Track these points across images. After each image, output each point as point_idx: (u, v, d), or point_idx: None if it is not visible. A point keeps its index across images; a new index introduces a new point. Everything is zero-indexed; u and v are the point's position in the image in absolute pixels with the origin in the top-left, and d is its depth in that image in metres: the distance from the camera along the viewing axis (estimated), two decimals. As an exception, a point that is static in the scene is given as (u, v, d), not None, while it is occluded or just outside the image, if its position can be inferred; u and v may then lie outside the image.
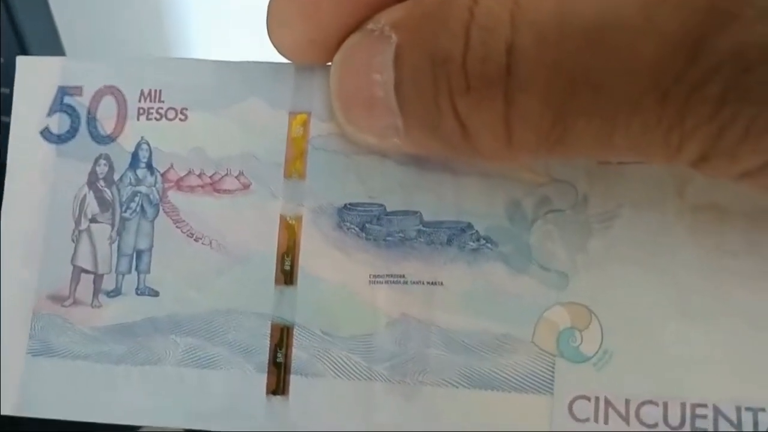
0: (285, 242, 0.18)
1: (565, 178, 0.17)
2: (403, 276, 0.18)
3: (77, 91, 0.19)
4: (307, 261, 0.18)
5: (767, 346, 0.16)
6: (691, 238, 0.17)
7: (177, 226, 0.19)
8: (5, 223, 0.19)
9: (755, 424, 0.16)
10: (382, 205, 0.18)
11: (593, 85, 0.14)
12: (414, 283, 0.18)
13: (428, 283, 0.18)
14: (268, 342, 0.18)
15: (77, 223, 0.19)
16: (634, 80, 0.14)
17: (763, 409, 0.16)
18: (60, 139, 0.19)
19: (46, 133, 0.19)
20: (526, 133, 0.15)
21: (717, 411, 0.16)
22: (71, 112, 0.19)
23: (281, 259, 0.18)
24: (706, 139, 0.14)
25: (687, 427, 0.16)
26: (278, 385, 0.18)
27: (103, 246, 0.19)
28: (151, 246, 0.19)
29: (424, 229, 0.18)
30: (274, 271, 0.18)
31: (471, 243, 0.18)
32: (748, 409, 0.16)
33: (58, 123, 0.19)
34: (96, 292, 0.19)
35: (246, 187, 0.19)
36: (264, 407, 0.18)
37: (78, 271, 0.19)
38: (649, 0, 0.13)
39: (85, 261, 0.19)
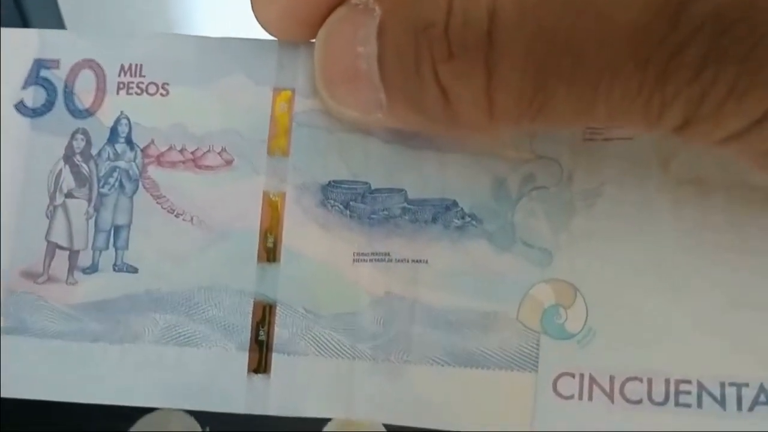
0: (268, 219, 0.18)
1: (550, 155, 0.18)
2: (388, 254, 0.18)
3: (54, 64, 0.19)
4: (290, 238, 0.18)
5: (750, 321, 0.16)
6: (673, 214, 0.17)
7: (157, 202, 0.18)
8: None
9: (739, 399, 0.16)
10: (366, 183, 0.18)
11: (574, 51, 0.14)
12: (398, 261, 0.18)
13: (413, 261, 0.18)
14: (250, 319, 0.18)
15: (52, 198, 0.19)
16: (615, 46, 0.14)
17: (746, 385, 0.16)
18: (35, 113, 0.19)
19: (20, 107, 0.19)
20: (507, 102, 0.15)
21: (701, 387, 0.16)
22: (47, 85, 0.19)
23: (264, 236, 0.18)
24: (687, 103, 0.14)
25: (671, 403, 0.16)
26: (260, 364, 0.18)
27: (79, 221, 0.19)
28: (130, 222, 0.18)
29: (409, 206, 0.18)
30: (256, 248, 0.18)
31: (456, 221, 0.18)
32: (731, 384, 0.16)
33: (33, 96, 0.19)
34: (71, 268, 0.18)
35: (228, 163, 0.18)
36: (245, 386, 0.18)
37: (52, 247, 0.18)
38: None
39: (59, 237, 0.18)
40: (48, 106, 0.19)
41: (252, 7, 0.17)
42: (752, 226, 0.17)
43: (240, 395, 0.18)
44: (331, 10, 0.17)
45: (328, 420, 0.40)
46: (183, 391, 0.18)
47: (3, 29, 0.19)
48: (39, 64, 0.19)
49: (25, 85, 0.19)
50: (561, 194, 0.17)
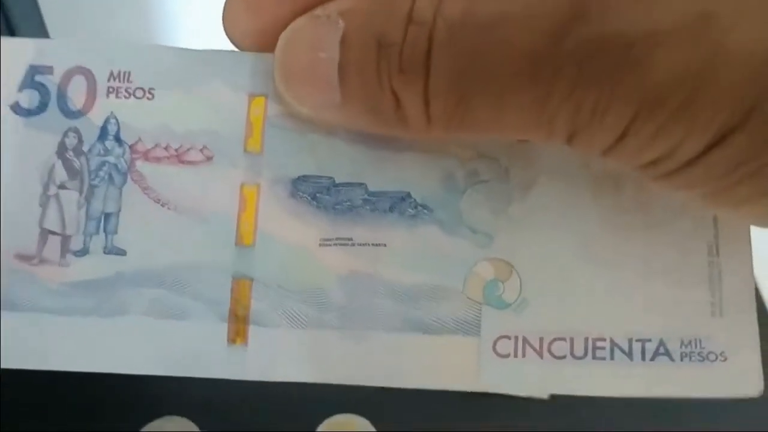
0: (244, 208, 0.21)
1: (491, 154, 0.21)
2: (351, 239, 0.21)
3: (48, 70, 0.21)
4: (264, 224, 0.20)
5: (654, 287, 0.20)
6: (594, 201, 0.20)
7: (144, 193, 0.21)
8: None
9: (643, 351, 0.20)
10: (331, 178, 0.21)
11: (485, 69, 0.17)
12: (360, 245, 0.21)
13: (372, 244, 0.21)
14: (229, 295, 0.20)
15: (45, 188, 0.20)
16: (515, 66, 0.17)
17: (649, 340, 0.20)
18: (29, 113, 0.21)
19: (15, 107, 0.21)
20: (438, 108, 0.18)
21: (613, 343, 0.20)
22: (41, 89, 0.21)
23: (241, 223, 0.21)
24: (568, 117, 0.17)
25: (589, 356, 0.20)
26: (238, 334, 0.20)
27: (71, 210, 0.20)
28: (119, 210, 0.20)
29: (369, 198, 0.21)
30: (234, 232, 0.20)
31: (410, 210, 0.21)
32: (638, 340, 0.20)
33: (29, 99, 0.21)
34: (64, 252, 0.20)
35: (209, 159, 0.21)
36: (225, 354, 0.20)
37: (45, 233, 0.20)
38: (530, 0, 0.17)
39: (52, 223, 0.20)
40: (42, 107, 0.21)
41: (222, 23, 0.20)
42: (656, 206, 0.20)
43: (220, 363, 0.20)
44: (287, 25, 0.19)
45: (320, 422, 0.42)
46: (168, 360, 0.20)
47: (5, 39, 0.21)
48: (34, 69, 0.21)
49: (21, 88, 0.21)
50: (500, 187, 0.21)
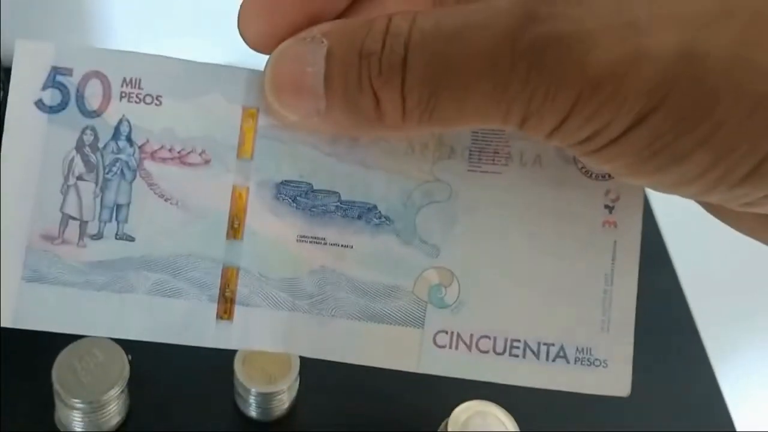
0: (235, 206, 0.24)
1: (444, 180, 0.25)
2: (324, 239, 0.25)
3: (68, 72, 0.24)
4: (251, 221, 0.24)
5: (560, 305, 0.25)
6: (519, 229, 0.25)
7: (151, 188, 0.24)
8: (4, 173, 0.24)
9: (547, 353, 0.25)
10: (310, 184, 0.25)
11: (453, 68, 0.20)
12: (331, 244, 0.25)
13: (342, 245, 0.25)
14: (219, 280, 0.24)
15: (66, 179, 0.24)
16: (476, 63, 0.20)
17: (553, 344, 0.25)
18: (52, 110, 0.24)
19: (39, 104, 0.24)
20: (412, 103, 0.21)
21: (526, 344, 0.25)
22: (62, 88, 0.24)
23: (231, 219, 0.24)
24: (522, 104, 0.20)
25: (507, 354, 0.25)
26: (225, 312, 0.25)
27: (88, 199, 0.24)
28: (129, 202, 0.24)
29: (341, 205, 0.25)
30: (226, 228, 0.24)
31: (375, 219, 0.25)
32: (544, 344, 0.25)
33: (51, 97, 0.24)
34: (81, 235, 0.24)
35: (207, 162, 0.24)
36: (214, 328, 0.24)
37: (66, 218, 0.24)
38: (492, 7, 0.20)
39: (72, 209, 0.24)
40: (63, 105, 0.24)
41: (238, 24, 0.23)
42: (569, 240, 0.25)
43: (210, 334, 0.24)
44: (296, 31, 0.23)
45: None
46: (167, 330, 0.24)
47: (26, 40, 0.24)
48: (55, 70, 0.24)
49: (44, 87, 0.24)
50: (449, 207, 0.25)
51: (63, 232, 0.24)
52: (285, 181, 0.25)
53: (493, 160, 0.25)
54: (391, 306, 0.25)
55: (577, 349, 0.25)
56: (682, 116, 0.20)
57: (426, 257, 0.25)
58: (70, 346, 0.43)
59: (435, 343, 0.25)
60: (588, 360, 0.25)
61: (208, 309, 0.24)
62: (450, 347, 0.25)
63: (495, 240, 0.25)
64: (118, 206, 0.24)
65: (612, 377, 0.24)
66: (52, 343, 0.44)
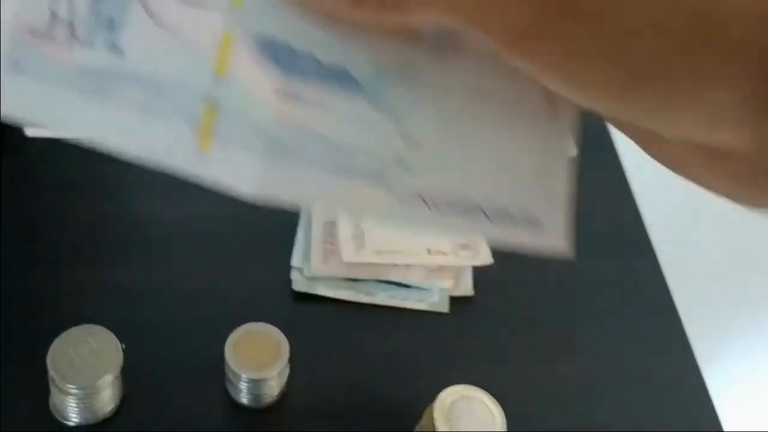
0: (223, 48, 0.25)
1: (415, 58, 0.27)
2: (301, 97, 0.26)
3: None
4: (236, 65, 0.25)
5: (506, 167, 0.28)
6: (472, 106, 0.28)
7: (148, 15, 0.25)
8: None
9: (496, 214, 0.28)
10: (292, 48, 0.26)
11: None
12: (308, 102, 0.26)
13: (317, 105, 0.26)
14: (201, 112, 0.25)
15: None
16: None
17: (500, 206, 0.28)
18: None
19: None
20: None
21: (477, 205, 0.27)
22: None
23: (219, 57, 0.25)
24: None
25: (463, 213, 0.27)
26: (205, 144, 0.25)
27: (81, 6, 0.24)
28: (124, 20, 0.24)
29: (319, 68, 0.26)
30: (212, 66, 0.25)
31: (350, 85, 0.26)
32: (493, 205, 0.28)
33: None
34: (71, 39, 0.24)
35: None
36: (192, 155, 0.25)
37: (56, 17, 0.23)
38: None
39: (62, 10, 0.23)
40: None
41: None
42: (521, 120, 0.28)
43: (188, 161, 0.25)
44: None
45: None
46: (148, 149, 0.24)
47: None
48: None
49: None
50: (416, 83, 0.27)
51: (51, 30, 0.23)
52: (270, 40, 0.26)
53: (458, 48, 0.27)
54: (361, 166, 0.26)
55: (520, 209, 0.28)
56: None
57: (392, 124, 0.27)
58: (64, 334, 0.44)
59: (399, 201, 0.27)
60: (529, 221, 0.28)
61: (189, 137, 0.25)
62: (414, 206, 0.27)
63: (452, 114, 0.27)
64: (111, 20, 0.24)
65: (551, 237, 0.28)
66: (48, 331, 0.45)
